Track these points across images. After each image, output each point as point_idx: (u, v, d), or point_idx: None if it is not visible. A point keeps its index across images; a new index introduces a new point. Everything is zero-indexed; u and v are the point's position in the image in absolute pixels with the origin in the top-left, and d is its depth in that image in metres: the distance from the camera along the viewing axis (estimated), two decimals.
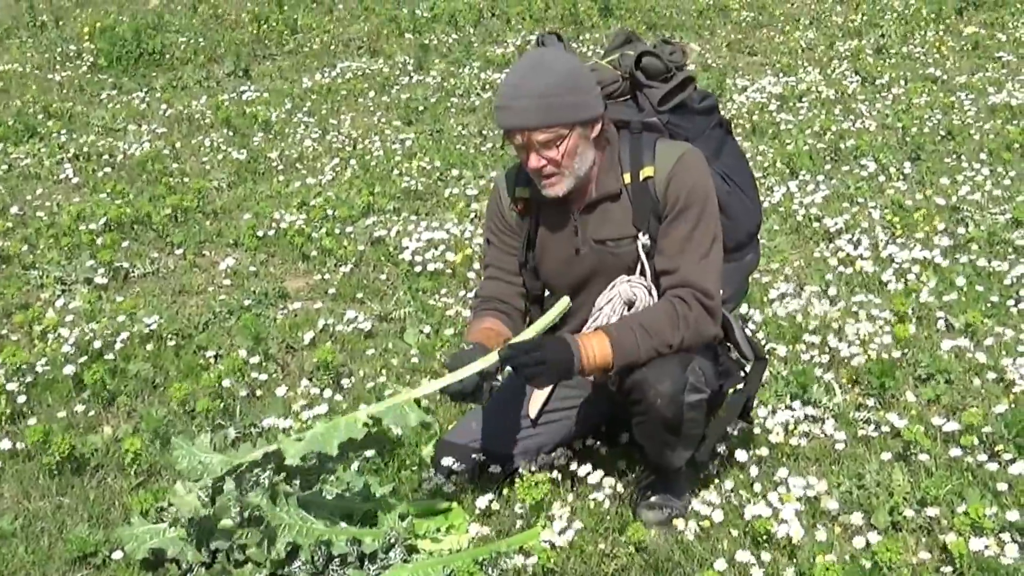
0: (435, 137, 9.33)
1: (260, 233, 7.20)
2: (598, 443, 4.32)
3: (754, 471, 4.12)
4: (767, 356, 4.28)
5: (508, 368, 3.60)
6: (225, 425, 4.80)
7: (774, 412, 4.52)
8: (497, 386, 4.20)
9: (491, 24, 13.99)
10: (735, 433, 4.38)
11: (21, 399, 5.16)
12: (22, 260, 7.06)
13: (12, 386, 5.25)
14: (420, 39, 13.39)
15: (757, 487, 4.04)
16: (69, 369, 5.33)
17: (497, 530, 3.90)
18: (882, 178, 7.48)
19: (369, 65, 12.34)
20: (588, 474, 4.13)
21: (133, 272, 6.82)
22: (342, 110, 10.62)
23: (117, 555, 3.88)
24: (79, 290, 6.50)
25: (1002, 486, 3.90)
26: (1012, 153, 7.67)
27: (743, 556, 3.63)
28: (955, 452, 4.14)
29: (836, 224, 6.60)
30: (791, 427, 4.44)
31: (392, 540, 3.62)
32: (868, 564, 3.48)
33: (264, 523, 3.55)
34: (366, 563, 3.61)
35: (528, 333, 3.64)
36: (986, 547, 3.58)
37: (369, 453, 4.40)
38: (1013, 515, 3.70)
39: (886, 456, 4.17)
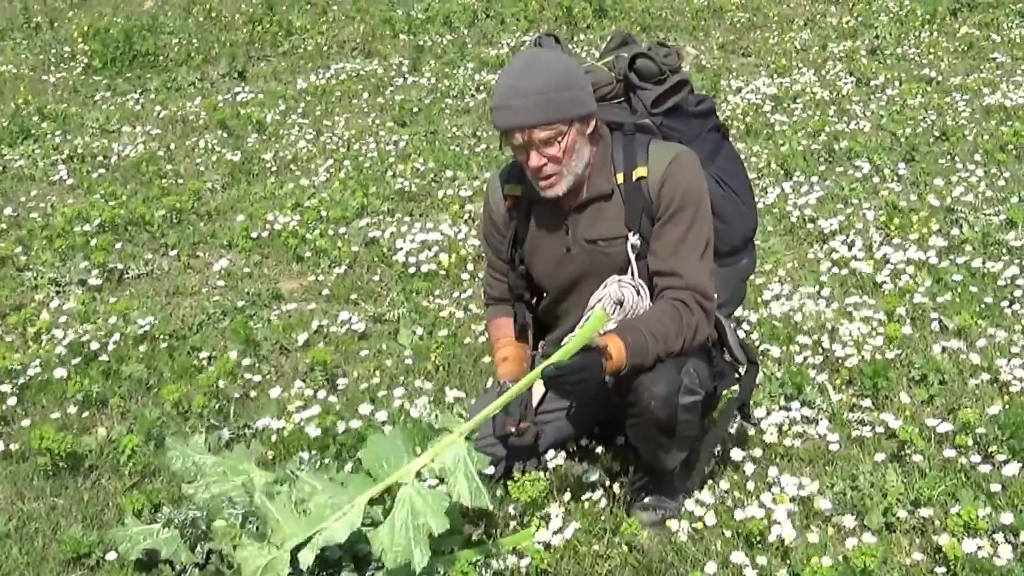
0: (429, 138, 9.33)
1: (254, 234, 7.20)
2: (592, 444, 4.32)
3: (748, 471, 4.12)
4: (759, 360, 4.29)
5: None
6: (219, 426, 4.81)
7: (768, 413, 4.52)
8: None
9: (485, 25, 13.99)
10: (731, 431, 4.38)
11: (13, 401, 5.15)
12: (16, 261, 7.05)
13: (5, 388, 5.24)
14: (414, 40, 13.38)
15: (751, 487, 4.04)
16: (62, 371, 5.33)
17: (491, 531, 3.89)
18: (876, 179, 7.48)
19: (363, 66, 12.33)
20: (582, 475, 4.14)
21: (127, 273, 6.82)
22: (336, 111, 10.62)
23: (111, 556, 3.89)
24: (73, 291, 6.50)
25: (996, 487, 3.90)
26: (1006, 154, 7.67)
27: (736, 557, 3.64)
28: (949, 453, 4.14)
29: (830, 225, 6.60)
30: (785, 428, 4.44)
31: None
32: (859, 566, 3.47)
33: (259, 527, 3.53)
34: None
35: (565, 349, 3.52)
36: (979, 548, 3.58)
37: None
38: (1007, 516, 3.70)
39: (880, 457, 4.18)
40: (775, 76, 10.68)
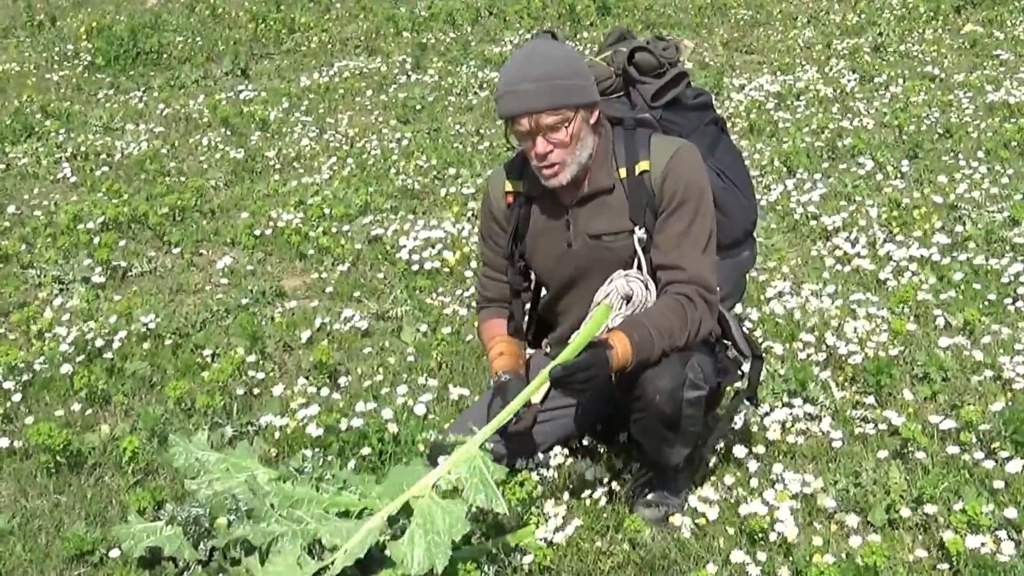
0: (432, 136, 9.33)
1: (257, 232, 7.20)
2: (594, 442, 4.32)
3: (751, 468, 4.12)
4: (763, 354, 4.29)
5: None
6: (222, 423, 4.81)
7: (771, 410, 4.52)
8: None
9: (489, 23, 14.00)
10: (735, 427, 4.38)
11: (17, 398, 5.16)
12: (20, 259, 7.06)
13: (9, 385, 5.25)
14: (418, 38, 13.39)
15: (754, 484, 4.04)
16: (66, 368, 5.33)
17: (492, 528, 3.89)
18: (880, 176, 7.48)
19: (367, 64, 12.34)
20: (584, 472, 4.14)
21: (131, 271, 6.83)
22: (339, 109, 10.62)
23: (114, 553, 3.89)
24: (76, 289, 6.50)
25: (999, 484, 3.90)
26: (1010, 151, 7.66)
27: (739, 555, 3.63)
28: (952, 450, 4.14)
29: (834, 222, 6.60)
30: (788, 425, 4.44)
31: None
32: (862, 564, 3.47)
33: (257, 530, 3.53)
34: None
35: (571, 347, 3.53)
36: (983, 545, 3.57)
37: (365, 451, 4.42)
38: (1010, 513, 3.70)
39: (883, 454, 4.17)
40: (778, 73, 10.68)
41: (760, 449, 4.24)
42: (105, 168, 9.04)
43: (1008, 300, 5.46)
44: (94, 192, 8.34)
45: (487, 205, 4.01)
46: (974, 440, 4.20)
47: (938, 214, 6.55)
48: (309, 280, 6.58)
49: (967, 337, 5.13)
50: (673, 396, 3.63)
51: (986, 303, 5.44)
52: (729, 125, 8.82)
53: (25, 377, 5.35)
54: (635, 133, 3.81)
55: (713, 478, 4.14)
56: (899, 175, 7.48)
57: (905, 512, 3.81)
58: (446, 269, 6.44)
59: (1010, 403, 4.46)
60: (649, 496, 3.94)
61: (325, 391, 5.07)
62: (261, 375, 5.28)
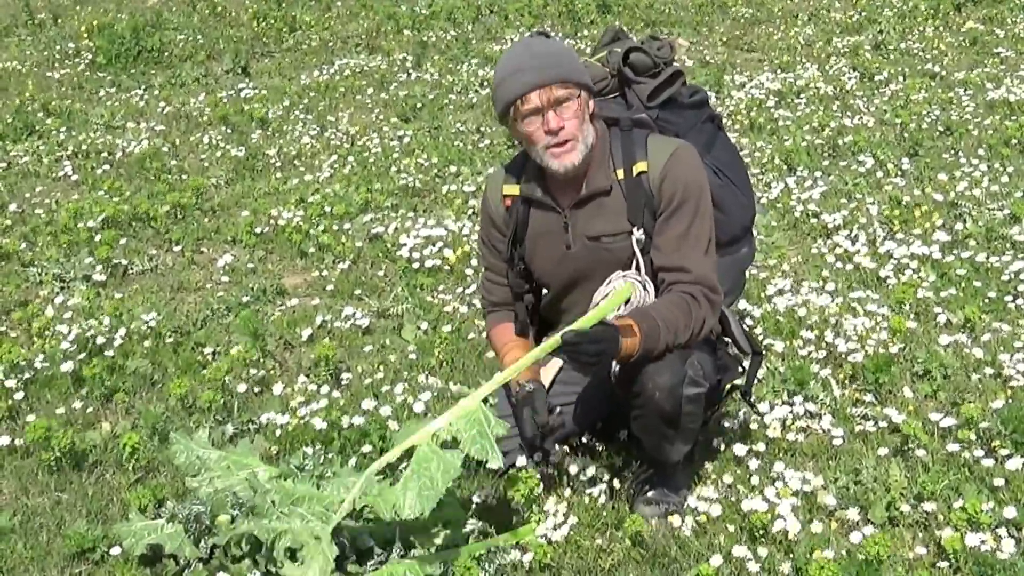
0: (433, 134, 9.33)
1: (258, 230, 7.21)
2: (594, 439, 4.32)
3: (751, 466, 4.13)
4: (763, 351, 4.29)
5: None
6: (223, 421, 4.82)
7: (771, 407, 4.52)
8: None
9: (489, 21, 13.98)
10: (735, 426, 4.39)
11: (19, 396, 5.17)
12: (21, 257, 7.07)
13: (11, 383, 5.25)
14: (419, 36, 13.39)
15: (754, 481, 4.05)
16: (67, 366, 5.34)
17: (493, 526, 3.89)
18: (880, 174, 7.48)
19: (367, 62, 12.33)
20: (584, 469, 4.14)
21: (131, 269, 6.83)
22: (340, 107, 10.62)
23: (115, 551, 3.90)
24: (77, 287, 6.51)
25: (999, 481, 3.90)
26: (1010, 149, 7.66)
27: (740, 551, 3.64)
28: (952, 447, 4.14)
29: (834, 220, 6.60)
30: (788, 422, 4.44)
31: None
32: (863, 559, 3.48)
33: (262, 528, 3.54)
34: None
35: (588, 317, 3.54)
36: (982, 542, 3.58)
37: (366, 449, 4.43)
38: (1010, 511, 3.71)
39: (883, 451, 4.18)
40: (779, 71, 10.67)
41: (761, 447, 4.25)
42: (106, 166, 9.04)
43: (1008, 297, 5.46)
44: (95, 190, 8.34)
45: (486, 209, 4.01)
46: (974, 438, 4.20)
47: (938, 212, 6.55)
48: (310, 278, 6.58)
49: (967, 335, 5.14)
50: (673, 393, 3.63)
51: (986, 300, 5.44)
52: (730, 123, 8.86)
53: (26, 375, 5.36)
54: (631, 134, 3.81)
55: (713, 476, 4.14)
56: (899, 173, 7.48)
57: (905, 509, 3.82)
58: (447, 267, 6.45)
59: (1010, 401, 4.46)
60: (649, 494, 3.95)
61: (326, 389, 5.08)
62: (262, 373, 5.29)
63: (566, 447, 4.23)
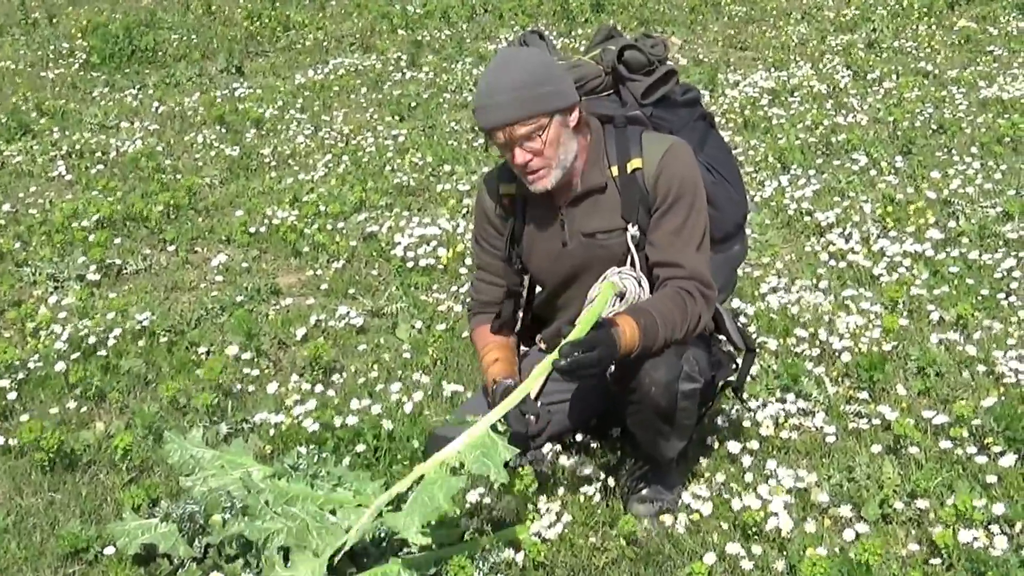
0: (427, 133, 9.33)
1: (252, 229, 7.20)
2: (588, 437, 4.32)
3: (744, 464, 4.13)
4: (757, 348, 4.30)
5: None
6: (217, 420, 4.82)
7: (765, 405, 4.54)
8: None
9: (484, 20, 13.98)
10: (727, 423, 4.40)
11: (12, 396, 5.17)
12: (15, 257, 7.06)
13: (4, 383, 5.25)
14: (413, 35, 13.38)
15: (747, 479, 4.05)
16: (61, 366, 5.34)
17: (487, 524, 3.90)
18: (873, 172, 7.49)
19: (362, 61, 12.33)
20: (578, 467, 4.15)
21: (125, 269, 6.83)
22: (334, 106, 10.61)
23: (109, 551, 3.89)
24: (71, 287, 6.51)
25: (991, 478, 3.91)
26: (1003, 147, 7.67)
27: (733, 549, 3.65)
28: (945, 445, 4.16)
29: (827, 218, 6.61)
30: (782, 420, 4.45)
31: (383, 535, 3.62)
32: (856, 558, 3.48)
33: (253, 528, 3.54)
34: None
35: (579, 328, 3.50)
36: (975, 539, 3.59)
37: (360, 448, 4.43)
38: (1002, 507, 3.72)
39: (876, 449, 4.19)
40: (772, 70, 10.68)
41: (754, 444, 4.25)
42: (100, 166, 9.03)
43: (1001, 295, 5.47)
44: (89, 190, 8.33)
45: (481, 209, 4.01)
46: (967, 435, 4.21)
47: (932, 210, 6.56)
48: (304, 277, 6.58)
49: (960, 332, 5.15)
50: (669, 388, 3.64)
51: (979, 298, 5.45)
52: (724, 121, 8.88)
53: (20, 375, 5.35)
54: (626, 131, 3.82)
55: (707, 474, 4.15)
56: (893, 171, 7.49)
57: (898, 506, 3.83)
58: (441, 266, 6.45)
59: (1003, 398, 4.47)
60: (643, 491, 3.95)
61: (320, 388, 5.08)
62: (256, 372, 5.29)
63: (559, 445, 4.23)
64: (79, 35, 13.96)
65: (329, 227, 7.14)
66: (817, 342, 5.13)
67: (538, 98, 3.58)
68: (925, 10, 12.57)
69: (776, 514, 3.78)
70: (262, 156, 9.00)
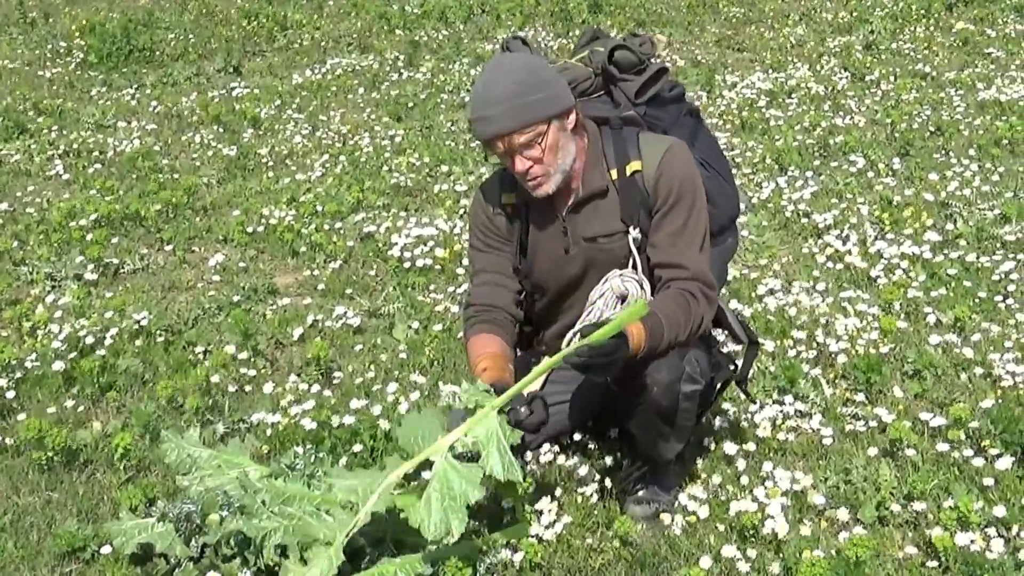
0: (425, 133, 9.34)
1: (250, 229, 7.20)
2: (586, 438, 4.32)
3: (741, 466, 4.14)
4: (759, 340, 4.29)
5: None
6: (214, 420, 4.82)
7: (761, 407, 4.53)
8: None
9: (481, 20, 13.98)
10: (724, 425, 4.40)
11: (10, 395, 5.16)
12: (12, 256, 7.05)
13: (1, 382, 5.25)
14: (410, 35, 13.38)
15: (744, 481, 4.05)
16: (58, 365, 5.33)
17: (484, 525, 3.90)
18: (871, 174, 7.49)
19: (359, 61, 12.32)
20: (575, 469, 4.14)
21: (123, 268, 6.82)
22: (332, 106, 10.61)
23: (106, 550, 3.88)
24: (69, 286, 6.50)
25: (988, 481, 3.91)
26: (1001, 149, 7.69)
27: (729, 551, 3.65)
28: (942, 447, 4.15)
29: (825, 220, 6.61)
30: (778, 422, 4.45)
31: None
32: (852, 558, 3.48)
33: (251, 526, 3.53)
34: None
35: (601, 333, 3.41)
36: (972, 542, 3.59)
37: (357, 448, 4.43)
38: (999, 510, 3.72)
39: (873, 451, 4.19)
40: (770, 71, 10.69)
41: (751, 446, 4.25)
42: (98, 165, 9.02)
43: (999, 297, 5.48)
44: (87, 189, 8.33)
45: (482, 216, 3.95)
46: (964, 437, 4.21)
47: (929, 212, 6.56)
48: (301, 277, 6.58)
49: (957, 334, 5.15)
50: (671, 389, 3.64)
51: (976, 300, 5.45)
52: (721, 123, 8.88)
53: (17, 374, 5.35)
54: (622, 132, 3.81)
55: (703, 476, 4.15)
56: (890, 173, 7.50)
57: (895, 509, 3.83)
58: (438, 266, 6.45)
59: (1000, 400, 4.48)
60: (640, 493, 3.95)
61: (317, 388, 5.08)
62: (253, 372, 5.29)
63: (556, 446, 4.23)
64: (77, 34, 13.94)
65: (326, 227, 7.14)
66: (814, 344, 5.13)
67: (534, 105, 3.57)
68: (923, 12, 12.58)
69: (773, 516, 3.78)
70: (259, 156, 8.99)
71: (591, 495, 4.03)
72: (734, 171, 7.32)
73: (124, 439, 4.50)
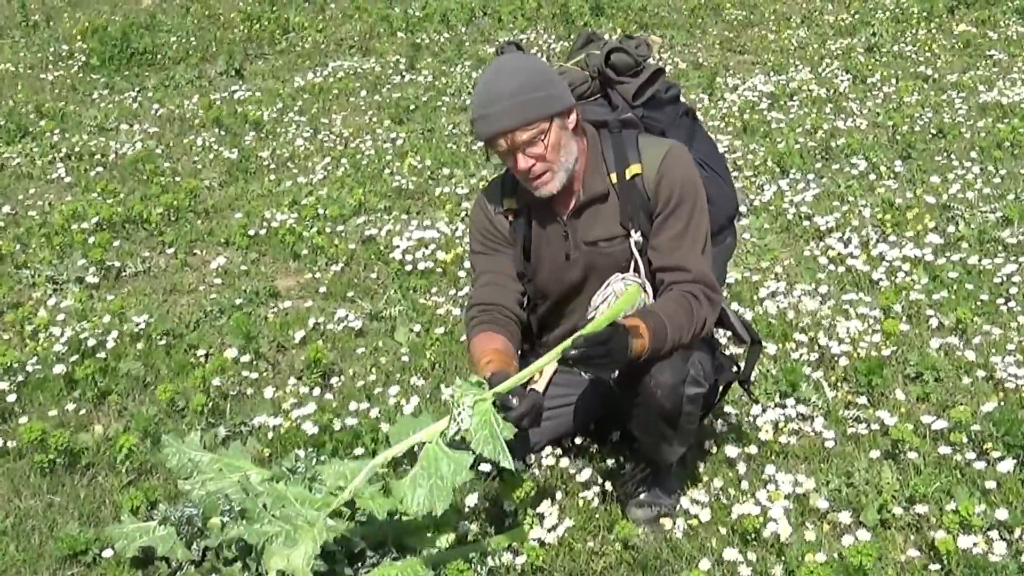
0: (426, 136, 9.34)
1: (251, 232, 7.20)
2: (588, 441, 4.32)
3: (743, 469, 4.13)
4: (762, 340, 4.29)
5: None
6: (215, 423, 4.82)
7: (764, 410, 4.53)
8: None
9: (483, 23, 13.99)
10: (726, 428, 4.40)
11: (11, 398, 5.16)
12: (14, 259, 7.06)
13: (3, 385, 5.25)
14: (412, 38, 13.39)
15: (745, 485, 4.05)
16: (60, 368, 5.33)
17: (486, 528, 3.90)
18: (873, 176, 7.48)
19: (361, 64, 12.33)
20: (577, 472, 4.14)
21: (124, 271, 6.83)
22: (333, 109, 10.62)
23: (107, 553, 3.89)
24: (70, 289, 6.51)
25: (990, 484, 3.91)
26: (1003, 151, 7.68)
27: (731, 554, 3.64)
28: (944, 450, 4.15)
29: (827, 222, 6.61)
30: (780, 425, 4.45)
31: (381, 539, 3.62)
32: (855, 565, 3.48)
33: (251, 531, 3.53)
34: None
35: (598, 321, 3.46)
36: (974, 545, 3.59)
37: (359, 451, 4.43)
38: (1001, 513, 3.71)
39: (875, 454, 4.19)
40: (772, 74, 10.69)
41: (752, 449, 4.25)
42: (100, 168, 9.03)
43: (1000, 300, 5.47)
44: (88, 192, 8.33)
45: (484, 221, 3.94)
46: (966, 440, 4.21)
47: (931, 214, 6.56)
48: (303, 280, 6.58)
49: (959, 337, 5.14)
50: (675, 391, 3.63)
51: (978, 303, 5.45)
52: (723, 125, 8.88)
53: (19, 377, 5.35)
54: (621, 135, 3.81)
55: (705, 479, 4.15)
56: (892, 175, 7.49)
57: (897, 512, 3.82)
58: (440, 269, 6.45)
59: (1002, 403, 4.48)
60: (642, 496, 3.95)
61: (318, 391, 5.08)
62: (254, 375, 5.28)
63: (559, 449, 4.23)
64: (78, 37, 13.96)
65: (328, 230, 7.14)
66: (816, 347, 5.13)
67: (537, 102, 3.57)
68: (925, 14, 12.58)
69: (775, 519, 3.77)
70: (261, 159, 9.00)
71: (593, 498, 4.02)
72: (735, 174, 7.37)
73: (128, 440, 4.50)
